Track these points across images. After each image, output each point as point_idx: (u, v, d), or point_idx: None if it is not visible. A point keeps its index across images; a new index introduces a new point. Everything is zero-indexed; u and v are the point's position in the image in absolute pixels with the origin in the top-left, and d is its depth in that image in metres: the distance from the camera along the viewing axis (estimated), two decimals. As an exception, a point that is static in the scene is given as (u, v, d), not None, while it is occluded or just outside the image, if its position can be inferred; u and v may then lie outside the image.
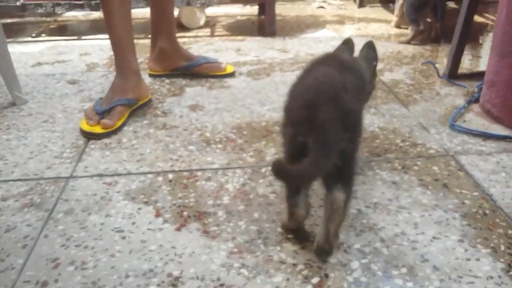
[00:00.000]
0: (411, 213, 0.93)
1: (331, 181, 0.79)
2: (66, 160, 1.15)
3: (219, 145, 1.20)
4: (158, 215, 0.94)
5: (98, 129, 1.26)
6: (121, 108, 1.31)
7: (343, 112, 0.75)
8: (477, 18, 2.31)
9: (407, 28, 2.05)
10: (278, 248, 0.84)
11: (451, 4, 2.45)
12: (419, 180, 1.03)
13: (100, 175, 1.08)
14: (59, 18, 2.51)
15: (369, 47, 1.05)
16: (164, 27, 1.56)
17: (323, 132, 0.72)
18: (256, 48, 1.97)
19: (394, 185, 1.02)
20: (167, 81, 1.62)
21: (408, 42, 1.95)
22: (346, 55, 1.02)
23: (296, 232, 0.88)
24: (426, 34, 1.98)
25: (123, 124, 1.30)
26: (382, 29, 2.14)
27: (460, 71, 1.60)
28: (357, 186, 1.01)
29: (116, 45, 1.33)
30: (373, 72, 1.05)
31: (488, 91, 1.30)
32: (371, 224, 0.90)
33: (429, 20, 2.04)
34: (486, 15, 2.40)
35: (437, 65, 1.64)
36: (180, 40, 1.85)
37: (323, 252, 0.81)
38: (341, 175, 0.78)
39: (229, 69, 1.66)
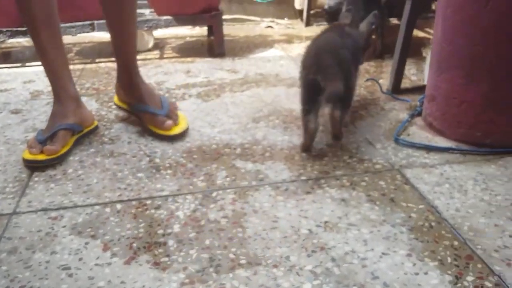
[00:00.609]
0: (360, 230, 0.94)
1: (334, 105, 1.18)
2: (8, 195, 1.10)
3: (169, 171, 1.18)
4: (106, 249, 0.91)
5: (41, 157, 1.21)
6: (63, 132, 1.27)
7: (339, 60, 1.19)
8: (419, 33, 2.41)
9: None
10: (231, 275, 0.83)
11: (394, 21, 2.55)
12: (367, 196, 1.06)
13: (45, 210, 1.04)
14: (2, 45, 2.43)
15: (374, 15, 1.41)
16: (121, 57, 1.40)
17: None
18: (205, 70, 1.97)
19: (343, 202, 1.04)
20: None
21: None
22: (348, 19, 1.41)
23: (308, 150, 1.26)
24: (370, 51, 2.05)
25: (68, 153, 1.26)
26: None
27: (403, 85, 1.66)
28: (307, 205, 1.02)
29: (50, 73, 1.30)
30: (369, 32, 1.42)
31: (429, 105, 1.36)
32: (322, 244, 0.90)
33: (373, 37, 2.11)
34: (428, 29, 2.50)
35: (381, 80, 1.70)
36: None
37: (336, 138, 1.29)
38: (341, 101, 1.18)
39: (175, 130, 1.34)
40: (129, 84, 1.39)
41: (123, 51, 1.37)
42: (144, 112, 1.37)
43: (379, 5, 2.09)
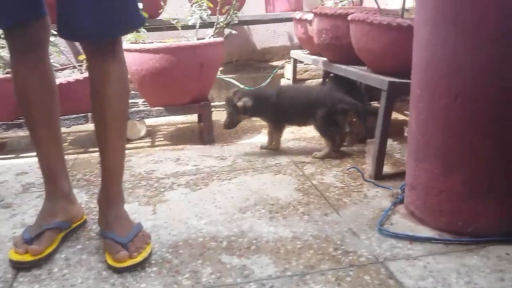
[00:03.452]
0: (344, 331, 0.93)
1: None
2: (-9, 297, 1.09)
3: (154, 268, 1.18)
4: None
5: (27, 257, 1.21)
6: (50, 233, 1.27)
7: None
8: (399, 116, 2.50)
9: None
10: None
11: (376, 104, 2.65)
12: (351, 293, 1.05)
13: (27, 313, 1.03)
14: (-2, 135, 2.49)
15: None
16: (102, 168, 1.30)
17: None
18: (195, 157, 2.03)
19: (328, 300, 1.03)
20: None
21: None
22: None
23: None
24: (360, 136, 2.13)
25: (55, 251, 1.27)
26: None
27: (386, 168, 1.70)
28: (292, 304, 1.02)
29: (44, 169, 1.33)
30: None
31: (410, 193, 1.39)
32: None
33: (354, 120, 2.20)
34: (407, 112, 2.60)
35: (364, 166, 1.74)
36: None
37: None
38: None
39: (125, 263, 1.18)
40: (104, 200, 1.30)
41: (104, 163, 1.28)
42: (105, 237, 1.25)
43: (359, 90, 2.20)
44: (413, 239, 1.26)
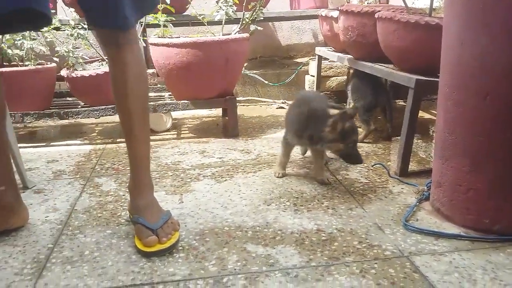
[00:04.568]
0: (369, 321, 0.95)
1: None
2: (26, 277, 1.13)
3: (182, 254, 1.21)
4: (118, 335, 0.92)
5: None
6: None
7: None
8: (425, 115, 2.50)
9: (359, 127, 2.19)
10: None
11: (401, 102, 2.65)
12: (376, 285, 1.06)
13: (60, 293, 1.07)
14: (29, 124, 2.56)
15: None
16: (130, 158, 1.33)
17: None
18: (220, 150, 2.06)
19: (353, 290, 1.05)
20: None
21: (361, 141, 2.08)
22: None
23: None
24: (385, 134, 2.14)
25: None
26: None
27: (411, 166, 1.70)
28: (317, 293, 1.03)
29: None
30: None
31: (436, 190, 1.39)
32: (330, 335, 0.91)
33: (379, 118, 2.20)
34: (433, 111, 2.59)
35: (389, 163, 1.74)
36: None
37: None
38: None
39: (153, 247, 1.22)
40: (134, 188, 1.33)
41: (131, 152, 1.31)
42: (135, 222, 1.29)
43: (385, 89, 2.20)
44: (439, 235, 1.26)
